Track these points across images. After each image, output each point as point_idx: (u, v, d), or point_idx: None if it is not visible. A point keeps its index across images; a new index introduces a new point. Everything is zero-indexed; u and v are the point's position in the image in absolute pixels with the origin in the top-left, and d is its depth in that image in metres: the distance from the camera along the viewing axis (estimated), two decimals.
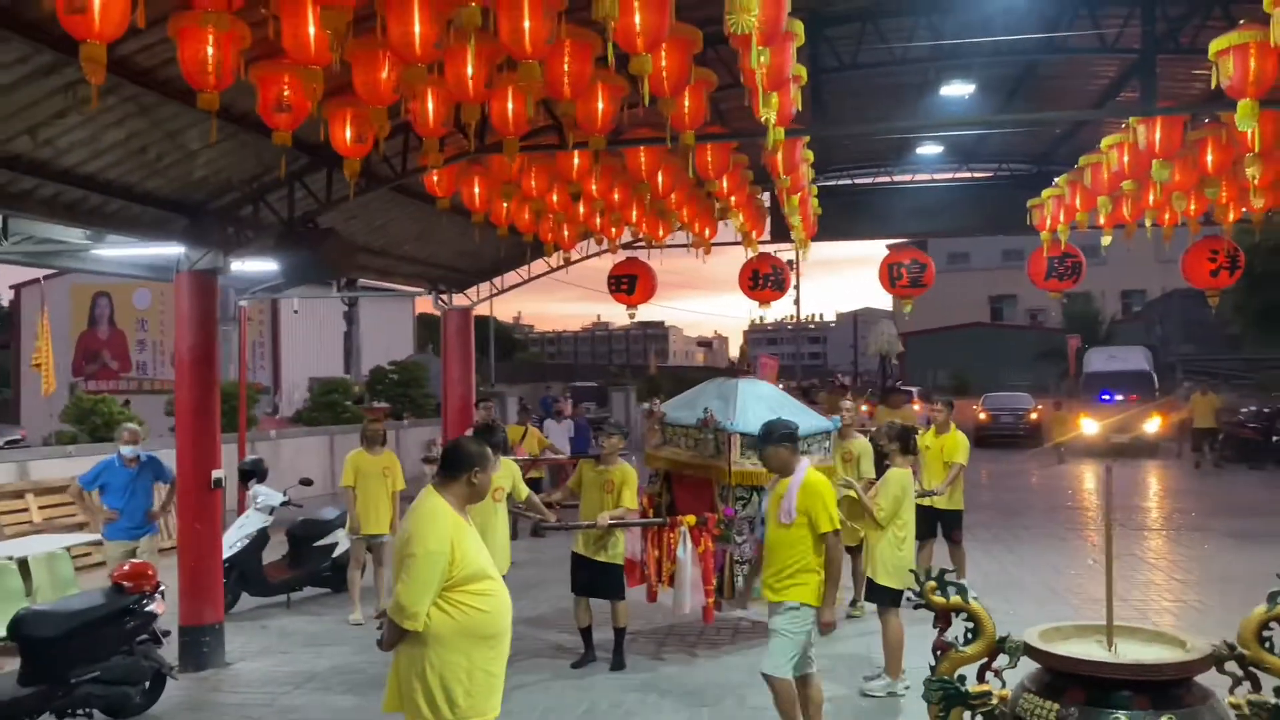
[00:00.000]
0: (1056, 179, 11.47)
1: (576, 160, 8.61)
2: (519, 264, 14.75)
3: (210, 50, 5.19)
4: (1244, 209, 10.70)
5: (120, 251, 9.12)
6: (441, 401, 14.91)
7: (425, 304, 39.10)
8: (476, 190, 9.25)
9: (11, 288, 30.64)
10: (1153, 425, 25.26)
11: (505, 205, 9.81)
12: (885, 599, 7.18)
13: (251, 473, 10.65)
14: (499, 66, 6.00)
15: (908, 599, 9.23)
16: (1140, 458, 24.02)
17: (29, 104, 6.05)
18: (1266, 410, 23.45)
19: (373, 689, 7.44)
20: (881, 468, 7.80)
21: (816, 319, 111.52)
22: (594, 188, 9.29)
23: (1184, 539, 13.49)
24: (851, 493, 7.37)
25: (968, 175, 14.78)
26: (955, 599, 4.03)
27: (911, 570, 5.01)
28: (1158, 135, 8.12)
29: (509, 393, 26.01)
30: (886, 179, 14.99)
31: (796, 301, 51.78)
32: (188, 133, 7.14)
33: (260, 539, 9.91)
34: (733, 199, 10.21)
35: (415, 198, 10.66)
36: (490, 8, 5.09)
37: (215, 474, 8.27)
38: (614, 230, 11.67)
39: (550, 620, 9.13)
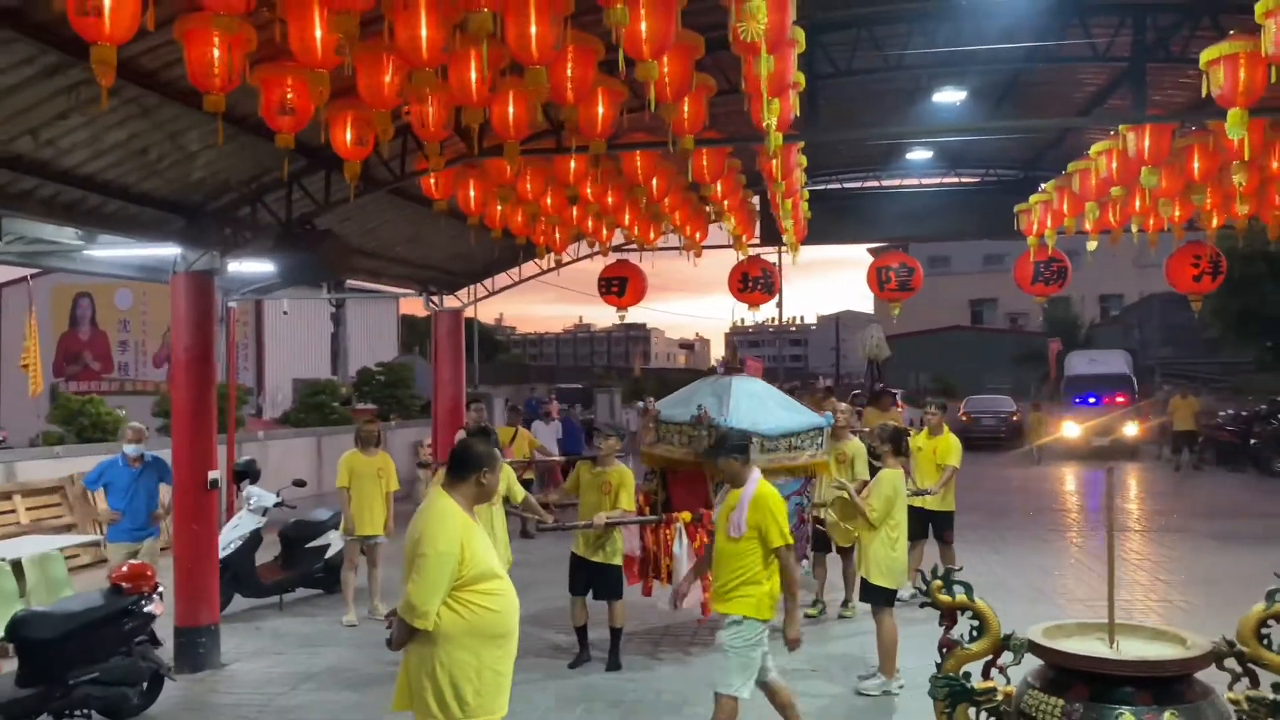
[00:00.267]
0: (1044, 185, 11.63)
1: (573, 164, 8.67)
2: (510, 266, 14.78)
3: (216, 53, 5.22)
4: (1227, 215, 10.87)
5: (112, 252, 9.09)
6: (432, 403, 14.90)
7: (408, 305, 39.00)
8: (472, 193, 9.29)
9: None
10: (1132, 429, 25.55)
11: (500, 208, 9.86)
12: (879, 599, 7.26)
13: (244, 474, 10.63)
14: (501, 71, 6.05)
15: (912, 596, 9.40)
16: (1121, 460, 24.27)
17: (33, 105, 6.06)
18: (1244, 414, 23.74)
19: (370, 688, 7.48)
20: (874, 469, 7.90)
21: (798, 322, 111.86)
22: (589, 191, 9.35)
23: (1166, 540, 13.67)
24: (844, 494, 7.46)
25: (955, 180, 14.93)
26: (961, 597, 4.10)
27: (918, 570, 5.06)
28: (1147, 142, 8.26)
29: (494, 394, 26.02)
30: (875, 183, 15.12)
31: (779, 304, 52.16)
32: (188, 134, 7.14)
33: (253, 540, 9.89)
34: (726, 202, 10.29)
35: (410, 200, 10.69)
36: (498, 12, 5.14)
37: (212, 475, 8.27)
38: (606, 233, 11.74)
39: (545, 620, 9.16)
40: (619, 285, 13.79)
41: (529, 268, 14.85)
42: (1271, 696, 3.81)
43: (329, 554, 10.46)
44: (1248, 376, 34.59)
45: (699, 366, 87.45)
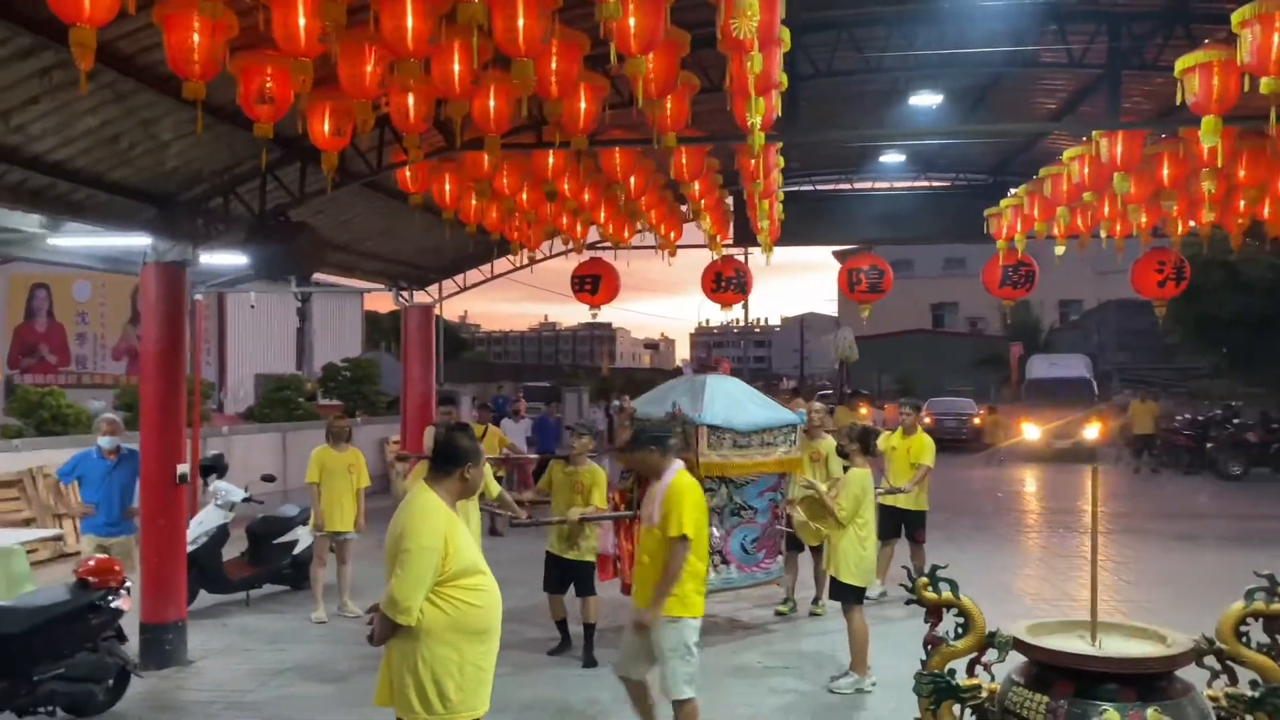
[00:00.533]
0: (1014, 189, 11.75)
1: (552, 159, 8.63)
2: (482, 262, 14.68)
3: (197, 38, 5.13)
4: (1192, 222, 11.05)
5: (77, 241, 8.92)
6: (401, 399, 14.77)
7: (372, 301, 38.50)
8: (448, 187, 9.22)
9: None
10: (1092, 431, 25.94)
11: (476, 203, 9.79)
12: (849, 597, 7.30)
13: (212, 468, 10.46)
14: (484, 64, 6.00)
15: (880, 596, 9.44)
16: (1080, 463, 24.62)
17: (3, 88, 5.91)
18: (1200, 418, 24.23)
19: (339, 684, 7.42)
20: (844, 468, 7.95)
21: (762, 323, 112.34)
22: (567, 187, 9.32)
23: (1126, 541, 13.87)
24: (812, 493, 7.50)
25: (926, 184, 15.06)
26: (947, 595, 4.13)
27: (905, 567, 5.09)
28: (1119, 148, 8.38)
29: (460, 392, 25.81)
30: (847, 186, 15.21)
31: (745, 305, 52.24)
32: (162, 122, 7.02)
33: (220, 535, 9.74)
34: (703, 201, 10.30)
35: (383, 193, 10.58)
36: (485, 4, 5.10)
37: (180, 469, 8.13)
38: (581, 230, 11.70)
39: (519, 616, 9.10)
40: (592, 283, 13.77)
41: (501, 264, 14.77)
42: (1249, 693, 3.88)
43: (297, 550, 10.34)
44: (1204, 382, 35.26)
45: (664, 366, 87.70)
